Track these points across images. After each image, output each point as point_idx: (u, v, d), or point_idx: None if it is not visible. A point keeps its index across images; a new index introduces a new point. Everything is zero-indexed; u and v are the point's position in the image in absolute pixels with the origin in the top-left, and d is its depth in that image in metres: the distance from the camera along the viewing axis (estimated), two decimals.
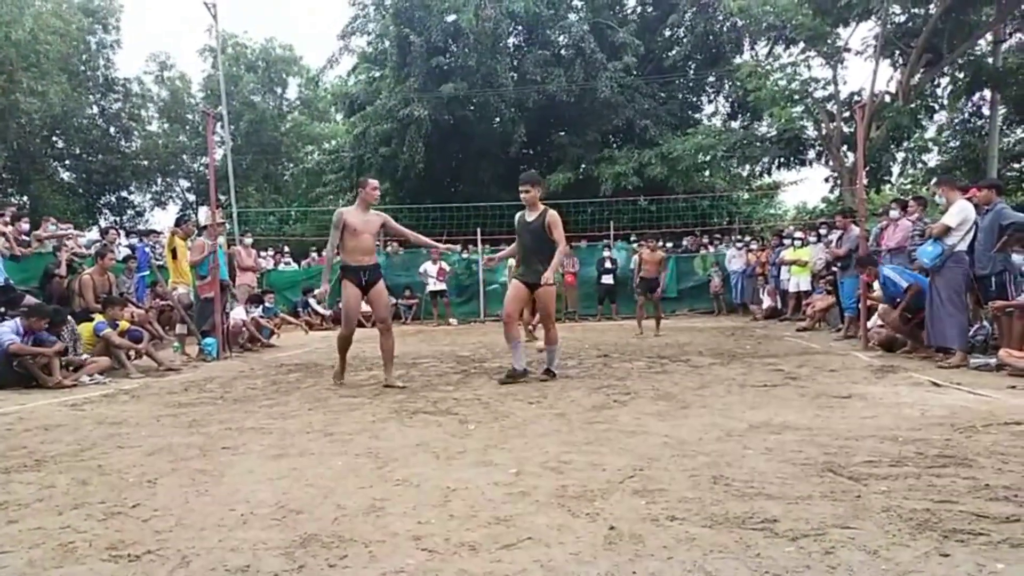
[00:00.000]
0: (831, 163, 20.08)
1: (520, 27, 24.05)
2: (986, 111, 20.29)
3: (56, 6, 25.98)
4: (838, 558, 2.25)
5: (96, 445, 4.28)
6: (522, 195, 6.49)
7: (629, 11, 25.85)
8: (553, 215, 6.40)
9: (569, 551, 2.36)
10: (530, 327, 11.16)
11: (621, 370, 7.26)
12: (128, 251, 12.10)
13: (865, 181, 10.94)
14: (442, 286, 16.56)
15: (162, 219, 33.01)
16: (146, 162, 32.47)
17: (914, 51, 17.12)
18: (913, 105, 18.00)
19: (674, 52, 23.19)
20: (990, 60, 18.57)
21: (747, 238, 18.03)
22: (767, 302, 15.05)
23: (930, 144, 21.88)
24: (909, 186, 24.30)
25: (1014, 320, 6.55)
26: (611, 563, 2.26)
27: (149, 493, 3.20)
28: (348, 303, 6.49)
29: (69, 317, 8.03)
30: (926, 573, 2.13)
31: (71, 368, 7.43)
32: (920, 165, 22.03)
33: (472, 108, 22.80)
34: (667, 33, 24.50)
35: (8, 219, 10.47)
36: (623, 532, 2.52)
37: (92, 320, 8.22)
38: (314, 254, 18.65)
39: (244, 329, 10.74)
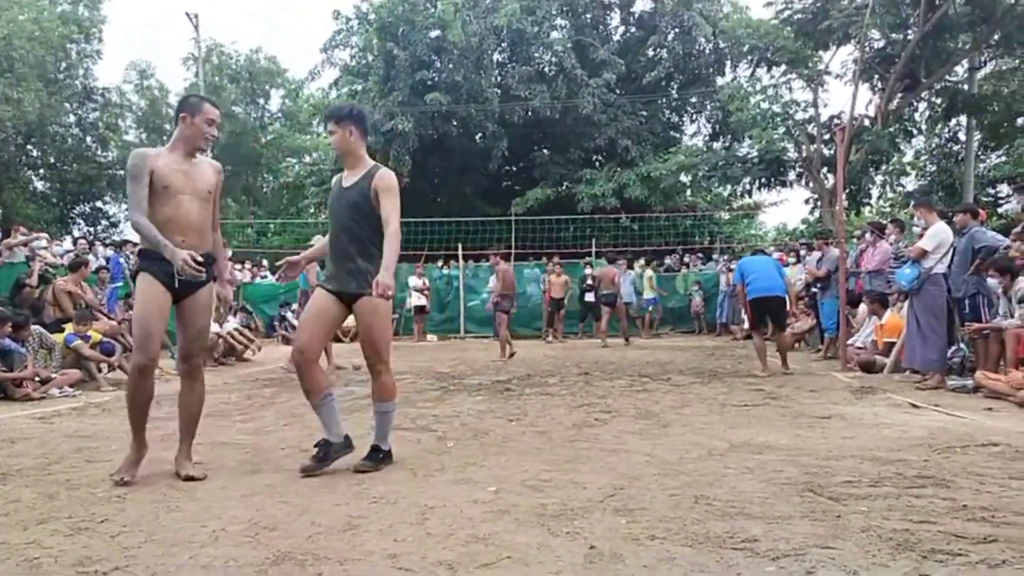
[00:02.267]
0: (811, 185, 20.34)
1: (504, 43, 24.22)
2: (962, 136, 20.71)
3: (36, 13, 25.76)
4: None
5: (65, 459, 4.18)
6: (330, 139, 4.11)
7: (612, 31, 26.13)
8: (385, 175, 3.84)
9: (548, 570, 2.33)
10: (549, 336, 11.15)
11: (602, 388, 7.23)
12: (102, 262, 11.93)
13: (845, 203, 11.07)
14: (424, 301, 16.49)
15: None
16: (122, 172, 32.05)
17: (892, 76, 17.44)
18: (891, 129, 18.32)
19: (656, 72, 23.44)
20: (966, 87, 18.97)
21: (726, 257, 18.19)
22: (748, 322, 15.13)
23: (908, 168, 22.30)
24: (888, 208, 24.67)
25: (990, 343, 6.64)
26: None
27: (118, 508, 3.11)
28: (145, 313, 3.66)
29: (41, 328, 7.88)
30: None
31: (40, 380, 7.28)
32: (899, 188, 22.41)
33: (456, 123, 22.88)
34: (649, 53, 24.77)
35: None
36: (603, 551, 2.49)
37: (64, 331, 8.07)
38: None
39: (220, 342, 10.60)
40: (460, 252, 17.45)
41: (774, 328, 8.70)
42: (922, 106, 20.00)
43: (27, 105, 23.35)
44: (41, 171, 30.31)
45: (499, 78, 23.91)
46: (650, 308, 17.17)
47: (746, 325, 14.93)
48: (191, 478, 3.68)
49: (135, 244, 13.33)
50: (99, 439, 4.85)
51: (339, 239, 3.84)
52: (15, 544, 2.64)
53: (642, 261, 18.16)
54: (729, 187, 22.89)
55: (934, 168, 22.88)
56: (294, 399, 6.70)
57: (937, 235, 7.06)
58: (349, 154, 3.94)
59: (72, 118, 30.10)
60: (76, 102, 29.80)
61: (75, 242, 13.49)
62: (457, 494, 3.27)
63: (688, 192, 23.91)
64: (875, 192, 22.02)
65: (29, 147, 28.87)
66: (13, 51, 22.81)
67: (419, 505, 3.10)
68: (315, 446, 3.84)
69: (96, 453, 4.35)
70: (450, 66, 22.14)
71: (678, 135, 26.54)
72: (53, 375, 7.41)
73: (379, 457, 3.88)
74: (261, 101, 34.71)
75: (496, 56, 24.62)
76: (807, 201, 21.83)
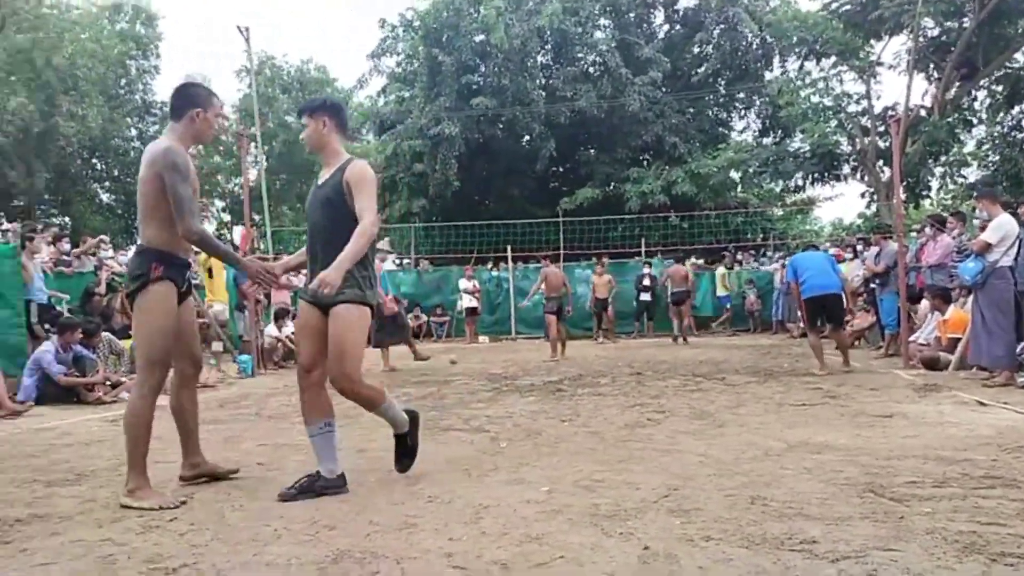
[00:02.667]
0: (866, 178, 19.82)
1: (548, 45, 24.24)
2: None
3: (96, 33, 26.83)
4: None
5: None
6: (302, 135, 3.68)
7: (656, 29, 25.92)
8: (357, 166, 3.47)
9: (602, 570, 2.33)
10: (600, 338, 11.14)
11: (655, 388, 7.18)
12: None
13: (903, 196, 10.76)
14: (475, 303, 16.60)
15: None
16: None
17: (948, 64, 16.88)
18: (950, 119, 17.71)
19: (702, 69, 23.16)
20: None
21: (780, 254, 17.84)
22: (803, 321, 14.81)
23: (969, 158, 21.50)
24: (949, 201, 23.86)
25: None
26: None
27: (186, 508, 3.23)
28: (169, 327, 3.47)
29: (110, 334, 8.20)
30: None
31: (111, 385, 7.58)
32: (959, 180, 21.64)
33: (501, 126, 22.98)
34: (695, 50, 24.51)
35: (50, 239, 10.77)
36: (658, 552, 2.48)
37: (131, 337, 8.39)
38: None
39: (279, 346, 10.86)
40: (509, 254, 17.52)
41: (831, 326, 8.48)
42: (982, 94, 19.30)
43: (91, 121, 24.36)
44: (106, 183, 31.56)
45: (544, 80, 23.95)
46: (727, 306, 17.00)
47: (802, 323, 14.73)
48: (201, 475, 3.77)
49: (196, 252, 13.67)
50: (165, 441, 5.02)
51: (313, 241, 3.52)
52: (91, 541, 2.77)
53: (703, 260, 17.98)
54: (781, 182, 22.48)
55: (997, 158, 22.02)
56: (348, 401, 6.83)
57: (1001, 227, 6.81)
58: (323, 148, 3.57)
59: (133, 132, 31.25)
60: (136, 116, 30.94)
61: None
62: (510, 494, 3.30)
63: (739, 188, 23.54)
64: (935, 184, 21.35)
65: (94, 161, 30.09)
66: (77, 70, 23.81)
67: (473, 505, 3.13)
68: (302, 482, 3.42)
69: (163, 455, 4.51)
70: (495, 70, 22.26)
71: (727, 131, 26.19)
72: (123, 380, 7.71)
73: (316, 486, 3.38)
74: None
75: (540, 58, 24.68)
76: (863, 195, 21.31)
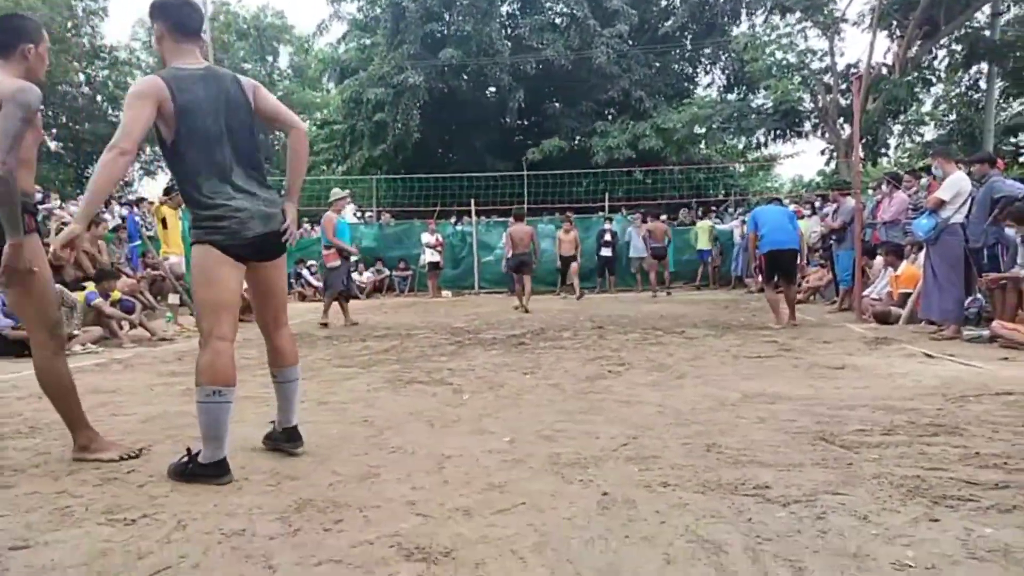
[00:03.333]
0: (827, 135, 20.02)
1: None
2: (983, 84, 20.23)
3: None
4: (829, 523, 2.28)
5: (89, 412, 4.25)
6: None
7: None
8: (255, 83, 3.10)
9: (563, 515, 2.38)
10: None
11: (616, 341, 7.27)
12: (119, 221, 12.02)
13: (861, 154, 10.90)
14: (438, 257, 16.52)
15: (151, 189, 32.69)
16: None
17: (911, 22, 16.99)
18: (910, 78, 17.91)
19: (669, 22, 22.95)
20: (987, 33, 18.46)
21: (741, 210, 18.04)
22: (761, 275, 15.07)
23: (927, 118, 21.87)
24: (906, 159, 24.29)
25: (1007, 293, 6.59)
26: (604, 527, 2.27)
27: (144, 460, 3.20)
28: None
29: (62, 286, 7.97)
30: (915, 537, 2.16)
31: None
32: (917, 138, 22.00)
33: (466, 77, 22.60)
34: (663, 3, 24.23)
35: None
36: (616, 498, 2.54)
37: (84, 289, 8.18)
38: (306, 225, 18.55)
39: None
40: (473, 208, 17.40)
41: (784, 281, 8.61)
42: (941, 53, 19.51)
43: None
44: (53, 131, 30.37)
45: (510, 30, 23.53)
46: (708, 260, 17.15)
47: (759, 277, 14.99)
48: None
49: (149, 202, 13.25)
50: (123, 394, 4.95)
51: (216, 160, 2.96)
52: (47, 493, 2.73)
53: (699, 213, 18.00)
54: (744, 139, 22.60)
55: (954, 117, 22.44)
56: (312, 354, 6.80)
57: (955, 184, 6.96)
58: (164, 63, 3.01)
59: (81, 77, 30.03)
60: (85, 61, 29.69)
61: None
62: (473, 444, 3.33)
63: (703, 144, 23.64)
64: (892, 143, 21.64)
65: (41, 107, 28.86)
66: (19, 10, 22.61)
67: (436, 455, 3.16)
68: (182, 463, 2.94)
69: (120, 407, 4.45)
70: (460, 18, 21.79)
71: (692, 87, 26.15)
72: (75, 332, 7.54)
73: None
74: (270, 59, 34.41)
75: (506, 8, 24.22)
76: (823, 152, 21.52)
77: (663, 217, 16.82)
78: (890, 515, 2.34)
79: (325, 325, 9.54)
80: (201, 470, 2.84)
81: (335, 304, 9.79)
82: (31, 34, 3.14)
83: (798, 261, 8.39)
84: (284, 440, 3.27)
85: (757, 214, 8.69)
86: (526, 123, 25.27)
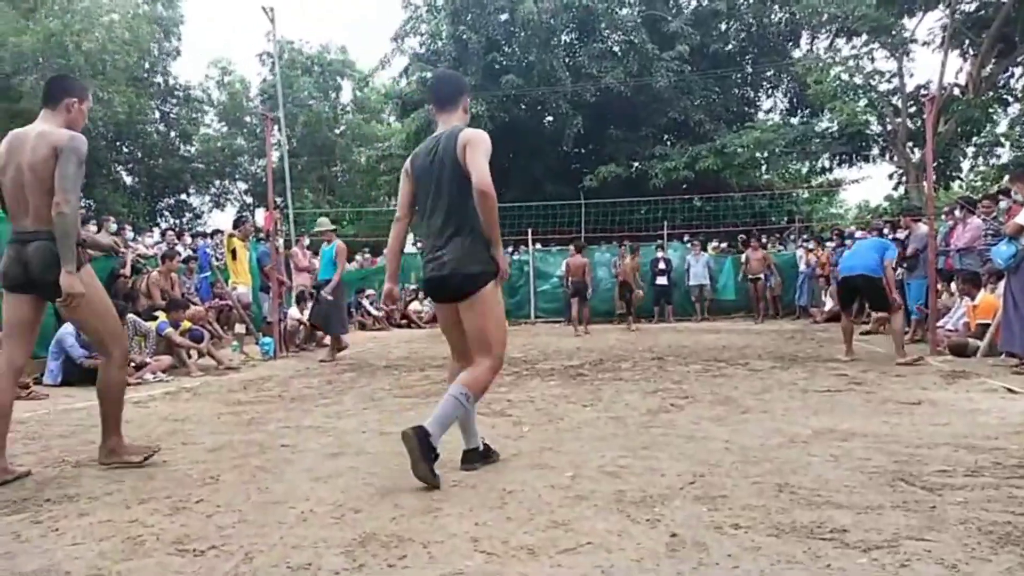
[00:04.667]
0: (896, 159, 19.44)
1: (574, 23, 24.02)
2: None
3: (125, 18, 26.96)
4: (914, 571, 2.15)
5: (160, 441, 4.40)
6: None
7: (683, 4, 25.54)
8: (472, 133, 3.37)
9: (630, 557, 2.31)
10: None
11: (677, 373, 7.13)
12: (190, 252, 12.46)
13: (933, 177, 10.54)
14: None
15: (220, 221, 33.98)
16: (203, 165, 33.55)
17: (985, 41, 16.44)
18: (984, 98, 17.29)
19: (729, 47, 22.78)
20: None
21: (804, 237, 17.60)
22: (829, 304, 14.64)
23: (1002, 139, 21.01)
24: (980, 183, 23.38)
25: None
26: (674, 570, 2.19)
27: (212, 489, 3.26)
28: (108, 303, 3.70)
29: (135, 316, 8.29)
30: None
31: (135, 366, 7.67)
32: (992, 161, 21.17)
33: (525, 106, 22.82)
34: (722, 27, 24.08)
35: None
36: (685, 539, 2.45)
37: (156, 319, 8.48)
38: (367, 253, 18.92)
39: (301, 328, 10.94)
40: (530, 237, 17.44)
41: (875, 311, 8.23)
42: (1018, 72, 18.79)
43: (117, 105, 24.51)
44: (130, 166, 31.90)
45: (569, 59, 23.73)
46: (771, 285, 16.71)
47: (827, 306, 14.57)
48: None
49: (222, 233, 13.67)
50: (191, 422, 5.08)
51: (432, 214, 3.47)
52: (119, 522, 2.80)
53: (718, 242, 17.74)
54: (807, 163, 22.13)
55: None
56: (372, 383, 6.87)
57: None
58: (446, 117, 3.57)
59: (156, 115, 31.51)
60: (160, 99, 31.17)
61: (163, 234, 14.13)
62: (535, 479, 3.29)
63: (764, 168, 23.25)
64: (966, 166, 20.90)
65: (119, 143, 30.39)
66: (106, 55, 23.93)
67: (497, 489, 3.13)
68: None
69: (189, 436, 4.57)
70: (520, 49, 22.10)
71: (753, 110, 25.82)
72: (148, 361, 7.81)
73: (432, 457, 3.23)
74: (333, 94, 35.48)
75: (565, 37, 24.47)
76: (891, 176, 20.91)
77: (712, 244, 16.53)
78: (980, 564, 2.20)
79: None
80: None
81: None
82: (77, 91, 3.63)
83: (883, 290, 7.82)
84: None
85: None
86: (584, 150, 25.32)
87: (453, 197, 3.33)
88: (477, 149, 3.28)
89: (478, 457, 3.55)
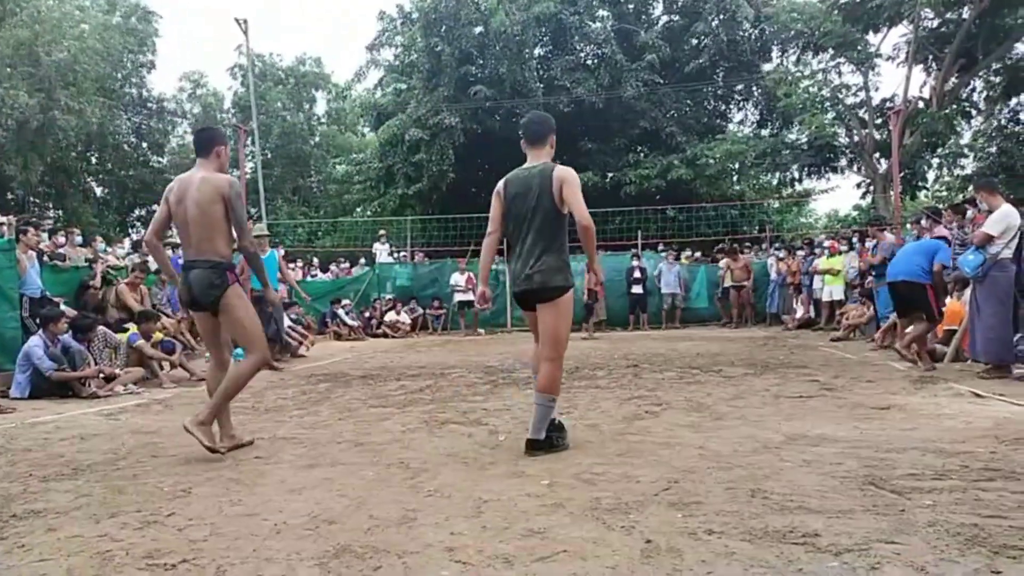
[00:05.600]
0: (863, 170, 19.81)
1: (546, 35, 24.21)
2: None
3: (97, 28, 26.61)
4: (884, 574, 2.19)
5: (132, 454, 4.33)
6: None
7: (654, 19, 25.87)
8: (567, 173, 4.00)
9: (605, 564, 2.32)
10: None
11: (652, 380, 7.18)
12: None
13: (900, 188, 10.75)
14: (470, 296, 16.56)
15: None
16: (175, 176, 33.20)
17: (947, 56, 16.86)
18: (948, 110, 17.70)
19: (700, 60, 23.11)
20: None
21: (776, 246, 17.84)
22: (800, 311, 14.85)
23: (966, 150, 21.52)
24: (944, 193, 23.89)
25: None
26: None
27: (184, 503, 3.21)
28: (254, 314, 4.43)
29: (105, 328, 8.16)
30: None
31: (105, 378, 7.55)
32: (956, 171, 21.66)
33: (499, 118, 22.95)
34: (693, 41, 24.44)
35: (46, 231, 10.70)
36: (660, 546, 2.47)
37: (127, 331, 8.35)
38: (344, 263, 18.81)
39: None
40: (505, 246, 17.42)
41: (914, 315, 7.64)
42: (980, 85, 19.27)
43: (89, 115, 24.14)
44: (101, 177, 31.42)
45: (542, 71, 23.89)
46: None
47: (798, 313, 14.76)
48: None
49: None
50: (163, 435, 5.01)
51: (524, 236, 4.16)
52: (88, 537, 2.75)
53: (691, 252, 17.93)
54: (778, 175, 22.47)
55: (994, 150, 22.05)
56: (347, 394, 6.82)
57: (1003, 218, 6.76)
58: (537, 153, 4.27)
59: (128, 126, 31.11)
60: (133, 110, 30.80)
61: (135, 245, 13.92)
62: (511, 487, 3.29)
63: (735, 179, 23.55)
64: (931, 176, 21.34)
65: (89, 154, 29.94)
66: (77, 65, 23.56)
67: (473, 498, 3.12)
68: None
69: (161, 449, 4.50)
70: (493, 61, 22.22)
71: (724, 123, 26.18)
72: (118, 373, 7.68)
73: (549, 443, 4.01)
74: (307, 105, 35.30)
75: (538, 50, 24.65)
76: (859, 186, 21.29)
77: (685, 254, 16.68)
78: (949, 566, 2.24)
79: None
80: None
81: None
82: (221, 138, 4.36)
83: (926, 296, 7.40)
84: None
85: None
86: (557, 161, 25.47)
87: (544, 224, 3.95)
88: (574, 188, 3.90)
89: (543, 445, 3.95)
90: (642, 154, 23.55)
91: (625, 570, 2.28)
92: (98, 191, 31.65)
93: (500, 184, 4.15)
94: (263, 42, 55.67)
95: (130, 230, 32.02)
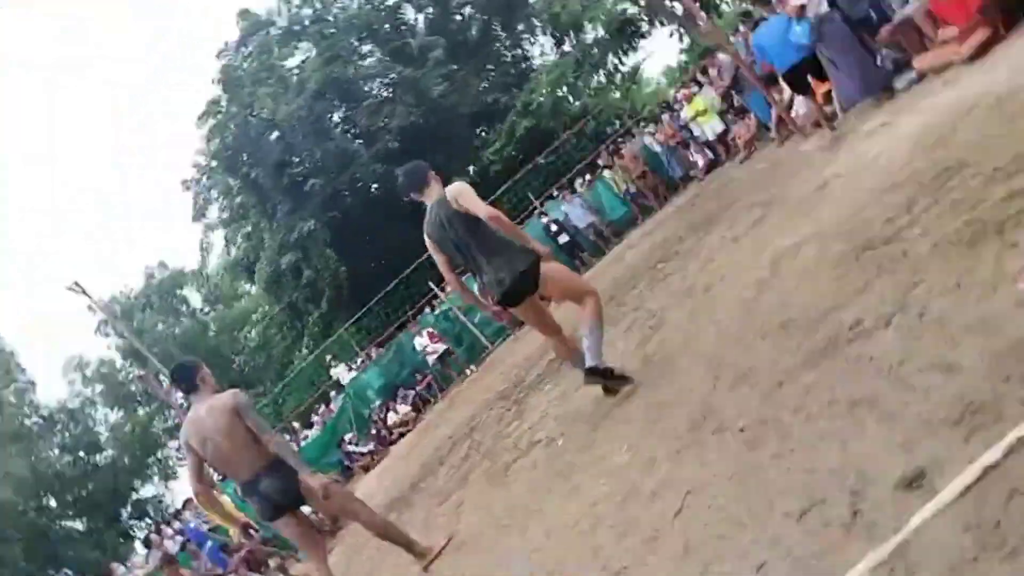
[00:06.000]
0: (664, 21, 20.48)
1: (333, 98, 24.23)
2: None
3: None
4: (929, 303, 2.35)
5: None
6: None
7: (414, 21, 26.18)
8: (455, 189, 4.21)
9: None
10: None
11: (631, 297, 7.14)
12: (180, 539, 11.72)
13: (703, 14, 11.20)
14: (444, 346, 16.38)
15: (182, 489, 32.53)
16: (129, 459, 32.58)
17: None
18: None
19: (474, 30, 23.56)
20: None
21: (642, 125, 18.28)
22: (700, 160, 15.23)
23: None
24: None
25: (908, 35, 6.68)
26: None
27: None
28: None
29: None
30: None
31: None
32: None
33: (348, 194, 22.89)
34: (458, 18, 24.80)
35: None
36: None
37: None
38: (321, 408, 18.50)
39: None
40: (436, 289, 17.41)
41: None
42: None
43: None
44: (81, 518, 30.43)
45: (352, 129, 24.01)
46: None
47: (700, 162, 15.09)
48: None
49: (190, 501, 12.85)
50: None
51: (471, 251, 4.25)
52: None
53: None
54: (601, 72, 23.05)
55: None
56: (431, 513, 6.68)
57: None
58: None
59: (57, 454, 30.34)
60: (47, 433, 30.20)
61: (146, 543, 13.18)
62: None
63: (572, 100, 24.06)
64: None
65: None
66: None
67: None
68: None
69: None
70: (304, 153, 22.26)
71: (528, 62, 26.70)
72: None
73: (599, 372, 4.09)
74: (183, 307, 34.59)
75: (336, 116, 24.74)
76: (671, 35, 22.03)
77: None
78: (972, 253, 2.42)
79: None
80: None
81: None
82: (197, 365, 4.38)
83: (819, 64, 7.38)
84: None
85: (758, 38, 8.19)
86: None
87: (476, 235, 4.11)
88: (468, 194, 4.13)
89: (602, 372, 4.06)
90: (483, 133, 23.87)
91: None
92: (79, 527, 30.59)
93: (425, 235, 4.33)
94: (107, 284, 53.60)
95: (133, 534, 31.13)
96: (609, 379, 4.12)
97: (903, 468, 1.78)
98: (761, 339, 3.35)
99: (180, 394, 4.65)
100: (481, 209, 4.07)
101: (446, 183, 4.41)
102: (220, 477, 9.27)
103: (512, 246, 4.14)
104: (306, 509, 4.68)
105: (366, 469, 14.46)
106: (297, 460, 4.29)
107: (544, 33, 26.42)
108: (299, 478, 4.08)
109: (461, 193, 4.14)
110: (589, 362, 4.07)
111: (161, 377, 21.86)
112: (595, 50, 21.06)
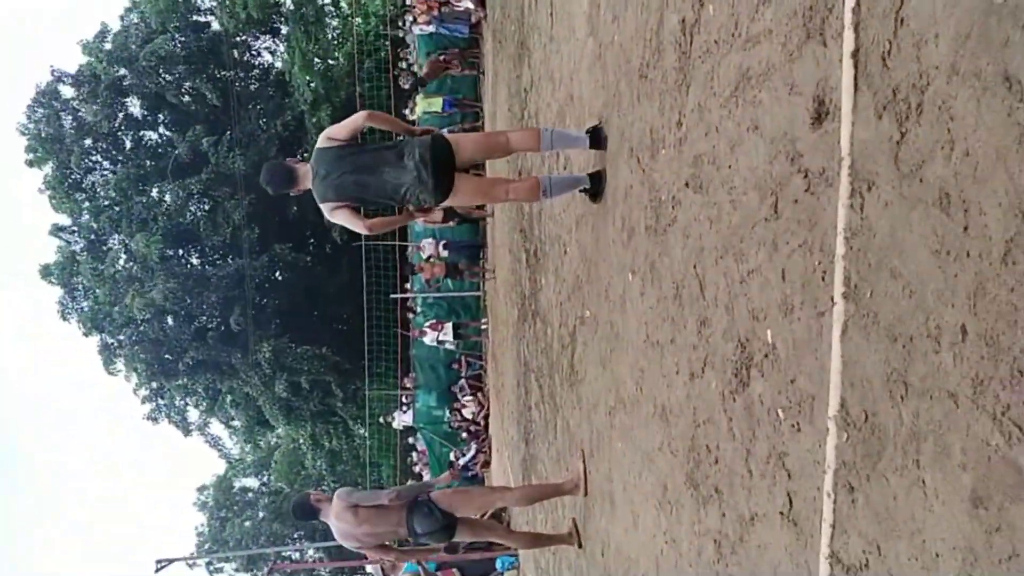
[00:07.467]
0: None
1: (180, 251, 23.93)
2: None
3: None
4: None
5: None
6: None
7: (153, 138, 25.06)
8: (324, 132, 4.00)
9: None
10: None
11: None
12: None
13: None
14: (448, 324, 16.02)
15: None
16: None
17: None
18: None
19: (179, 49, 22.84)
20: None
21: None
22: None
23: None
24: None
25: None
26: None
27: None
28: None
29: None
30: None
31: None
32: None
33: (217, 306, 22.59)
34: (160, 54, 22.46)
35: None
36: None
37: None
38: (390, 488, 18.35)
39: None
40: (412, 319, 17.23)
41: None
42: None
43: None
44: None
45: (218, 259, 23.49)
46: None
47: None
48: None
49: None
50: None
51: (380, 178, 3.86)
52: None
53: None
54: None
55: None
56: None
57: None
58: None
59: None
60: None
61: None
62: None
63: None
64: None
65: None
66: None
67: None
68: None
69: None
70: (204, 308, 22.29)
71: (272, 33, 25.84)
72: None
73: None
74: None
75: (193, 260, 24.50)
76: None
77: None
78: None
79: None
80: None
81: None
82: (305, 496, 4.71)
83: None
84: None
85: None
86: (311, 215, 23.93)
87: (365, 157, 3.80)
88: (336, 126, 3.92)
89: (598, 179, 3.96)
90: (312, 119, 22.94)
91: None
92: None
93: (320, 201, 3.88)
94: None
95: None
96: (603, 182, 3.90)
97: None
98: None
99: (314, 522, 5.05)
100: (355, 121, 3.85)
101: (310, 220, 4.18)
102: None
103: (407, 143, 3.77)
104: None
105: (487, 464, 14.70)
106: (420, 485, 4.94)
107: (286, 22, 25.15)
108: (432, 496, 4.47)
109: (330, 131, 3.90)
110: (584, 183, 4.00)
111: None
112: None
